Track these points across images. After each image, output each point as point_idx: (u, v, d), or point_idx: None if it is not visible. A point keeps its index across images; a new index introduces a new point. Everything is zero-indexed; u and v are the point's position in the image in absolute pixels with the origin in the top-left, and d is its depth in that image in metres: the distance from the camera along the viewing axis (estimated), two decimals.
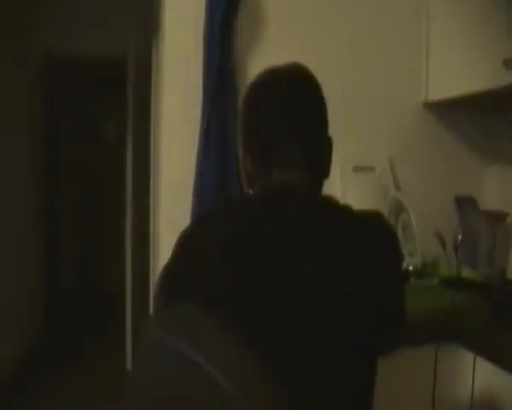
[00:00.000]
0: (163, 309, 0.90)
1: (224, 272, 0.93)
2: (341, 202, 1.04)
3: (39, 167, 4.62)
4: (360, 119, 2.28)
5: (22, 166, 4.09)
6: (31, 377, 3.71)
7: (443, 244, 2.13)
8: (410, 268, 2.02)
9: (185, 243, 1.04)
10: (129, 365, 3.77)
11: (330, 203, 1.03)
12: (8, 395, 3.40)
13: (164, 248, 2.08)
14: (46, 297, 4.85)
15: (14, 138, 3.86)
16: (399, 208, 2.11)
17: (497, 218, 2.10)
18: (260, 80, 1.12)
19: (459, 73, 2.11)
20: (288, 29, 2.20)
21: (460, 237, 2.04)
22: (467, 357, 1.58)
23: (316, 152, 1.10)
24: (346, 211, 1.02)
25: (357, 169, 2.21)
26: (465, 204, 2.25)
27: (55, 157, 5.32)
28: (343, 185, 2.17)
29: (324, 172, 1.13)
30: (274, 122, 1.07)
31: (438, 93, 2.26)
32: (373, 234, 0.97)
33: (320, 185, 1.14)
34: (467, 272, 2.05)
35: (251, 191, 1.14)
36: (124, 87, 3.89)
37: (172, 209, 2.07)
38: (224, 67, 1.95)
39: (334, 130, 1.15)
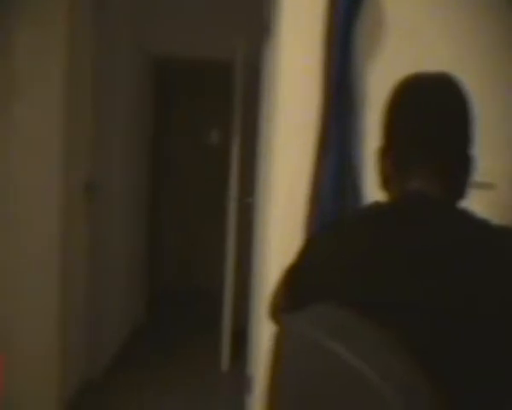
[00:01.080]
0: (310, 309, 0.91)
1: (364, 277, 0.93)
2: None
3: (146, 168, 4.83)
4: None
5: (132, 167, 4.30)
6: (128, 366, 3.87)
7: None
8: None
9: (319, 247, 1.04)
10: (225, 359, 3.85)
11: (468, 215, 1.00)
12: (111, 376, 3.58)
13: (274, 250, 2.11)
14: (148, 290, 5.05)
15: (126, 140, 4.06)
16: None
17: None
18: (406, 86, 1.10)
19: None
20: (409, 34, 2.16)
21: None
22: None
23: (452, 169, 1.07)
24: (483, 224, 0.99)
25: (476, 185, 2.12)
26: None
27: (158, 157, 5.52)
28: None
29: (459, 191, 1.10)
30: (415, 131, 1.06)
31: None
32: None
33: (455, 201, 1.10)
34: None
35: (384, 194, 1.13)
36: (228, 91, 3.98)
37: (284, 212, 2.09)
38: (345, 70, 1.95)
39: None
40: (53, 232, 2.59)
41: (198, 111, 5.95)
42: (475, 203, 1.93)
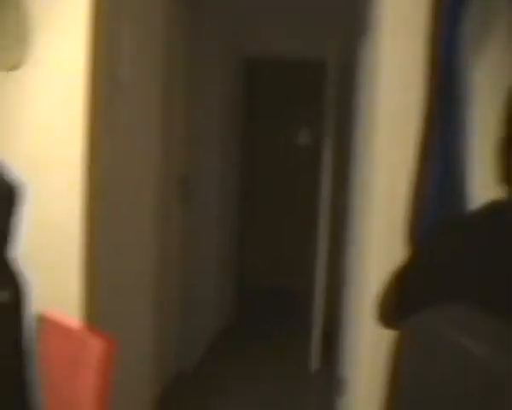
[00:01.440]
0: (443, 309, 0.90)
1: (493, 276, 0.90)
2: None
3: (236, 166, 4.92)
4: None
5: (223, 166, 4.39)
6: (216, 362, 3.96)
7: None
8: None
9: (440, 247, 1.02)
10: (314, 360, 3.85)
11: None
12: (200, 372, 3.68)
13: (374, 253, 2.09)
14: (236, 290, 5.13)
15: (218, 138, 4.15)
16: None
17: None
18: None
19: None
20: None
21: None
22: None
23: None
24: None
25: None
26: None
27: (247, 156, 5.59)
28: None
29: None
30: None
31: None
32: None
33: None
34: None
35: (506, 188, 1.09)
36: (319, 90, 3.97)
37: (385, 215, 2.06)
38: (451, 69, 1.89)
39: None
40: (148, 227, 2.69)
41: (287, 111, 5.97)
42: None
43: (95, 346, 1.37)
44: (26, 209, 1.53)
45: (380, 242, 2.07)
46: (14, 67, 2.12)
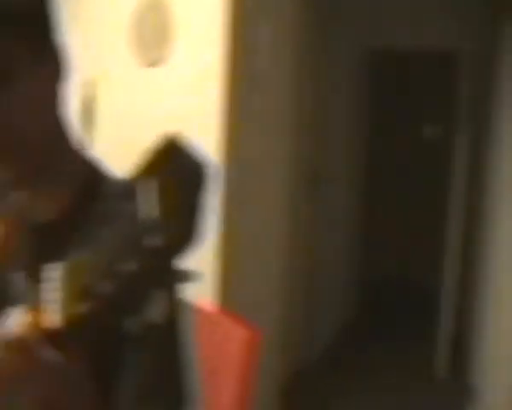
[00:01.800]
0: None
1: None
2: None
3: (362, 161, 4.84)
4: None
5: (350, 161, 4.33)
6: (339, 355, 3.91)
7: None
8: None
9: None
10: (442, 365, 3.66)
11: None
12: (321, 367, 3.65)
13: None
14: (362, 283, 5.05)
15: (345, 133, 4.10)
16: None
17: None
18: None
19: None
20: None
21: None
22: None
23: None
24: None
25: None
26: None
27: (373, 149, 5.45)
28: None
29: None
30: None
31: None
32: None
33: None
34: None
35: None
36: (448, 83, 3.77)
37: None
38: None
39: None
40: (278, 220, 2.70)
41: (413, 104, 5.76)
42: None
43: (239, 336, 1.37)
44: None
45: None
46: (154, 63, 2.22)
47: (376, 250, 5.76)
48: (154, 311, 0.45)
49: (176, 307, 0.66)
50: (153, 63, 2.20)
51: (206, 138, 2.02)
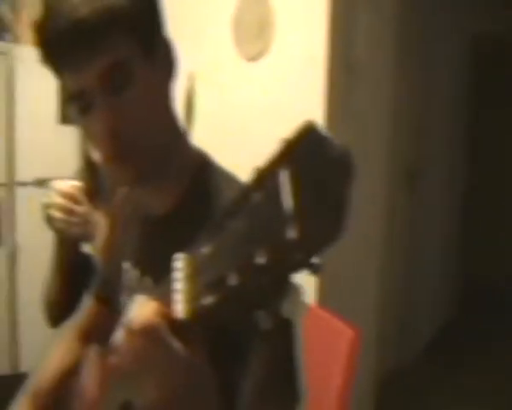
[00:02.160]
0: None
1: None
2: None
3: (462, 153, 4.62)
4: None
5: (449, 154, 4.15)
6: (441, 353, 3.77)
7: None
8: None
9: None
10: None
11: None
12: (418, 367, 3.53)
13: None
14: (461, 281, 4.85)
15: (445, 126, 3.93)
16: None
17: None
18: None
19: None
20: None
21: None
22: None
23: None
24: None
25: None
26: None
27: (473, 142, 5.19)
28: None
29: None
30: None
31: None
32: None
33: None
34: None
35: None
36: None
37: None
38: None
39: None
40: (374, 216, 2.62)
41: None
42: None
43: (340, 333, 1.35)
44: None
45: None
46: (255, 57, 2.23)
47: (477, 249, 5.48)
48: (284, 306, 0.43)
49: (296, 302, 0.65)
50: (254, 56, 2.21)
51: None
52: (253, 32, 2.18)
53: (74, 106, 0.77)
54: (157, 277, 0.84)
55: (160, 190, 0.85)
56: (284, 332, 0.67)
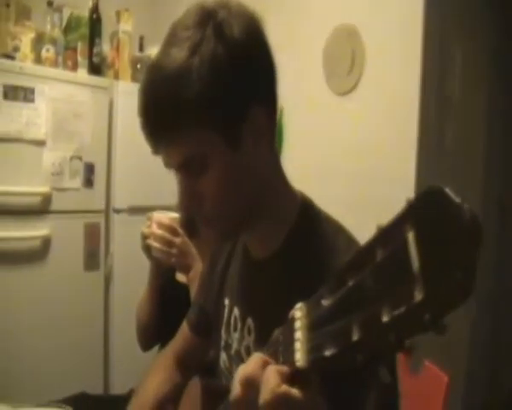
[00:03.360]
0: None
1: None
2: None
3: None
4: None
5: None
6: None
7: None
8: None
9: None
10: None
11: None
12: None
13: None
14: None
15: None
16: None
17: None
18: None
19: None
20: None
21: None
22: None
23: None
24: None
25: None
26: None
27: None
28: None
29: None
30: None
31: None
32: None
33: None
34: None
35: None
36: None
37: None
38: None
39: None
40: None
41: None
42: None
43: (440, 380, 1.31)
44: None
45: None
46: (346, 92, 2.24)
47: None
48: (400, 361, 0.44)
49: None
50: (345, 91, 2.22)
51: (401, 168, 1.98)
52: (345, 68, 2.19)
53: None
54: (259, 318, 0.86)
55: (263, 234, 0.87)
56: (395, 385, 0.67)
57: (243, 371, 0.54)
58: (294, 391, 0.50)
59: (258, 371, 0.53)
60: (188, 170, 0.78)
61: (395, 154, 2.00)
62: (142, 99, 0.77)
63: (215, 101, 0.73)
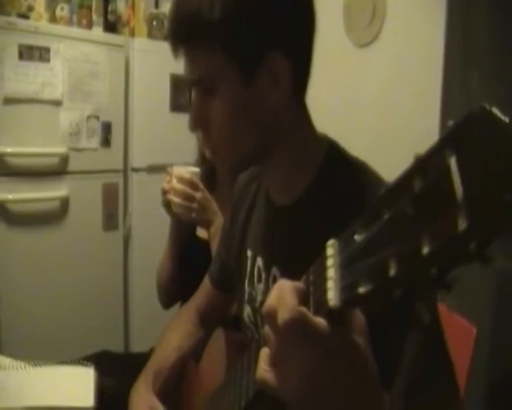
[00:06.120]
0: None
1: None
2: None
3: None
4: None
5: None
6: None
7: None
8: None
9: None
10: None
11: None
12: None
13: None
14: None
15: None
16: None
17: None
18: None
19: None
20: None
21: None
22: None
23: None
24: None
25: None
26: None
27: None
28: None
29: None
30: None
31: None
32: None
33: None
34: None
35: None
36: None
37: None
38: None
39: None
40: None
41: None
42: None
43: (468, 332, 1.29)
44: None
45: None
46: (368, 43, 2.17)
47: None
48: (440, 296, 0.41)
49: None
50: (366, 43, 2.16)
51: (425, 120, 1.93)
52: (366, 19, 2.13)
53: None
54: (284, 265, 0.84)
55: (286, 179, 0.85)
56: (437, 323, 0.65)
57: (264, 305, 0.51)
58: (318, 320, 0.46)
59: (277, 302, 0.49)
60: (199, 89, 0.81)
61: (419, 106, 1.95)
62: (172, 5, 0.81)
63: (232, 25, 0.74)
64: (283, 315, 0.47)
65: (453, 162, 0.37)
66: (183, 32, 0.77)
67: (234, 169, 0.93)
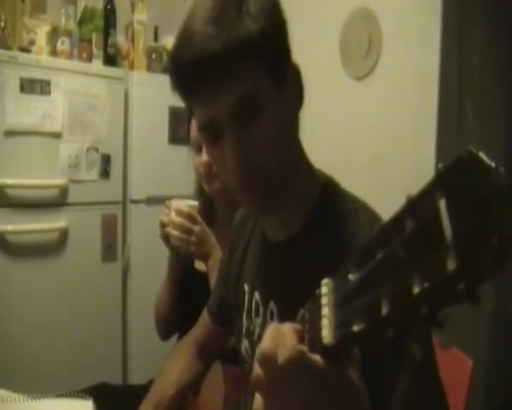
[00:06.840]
0: None
1: None
2: None
3: None
4: None
5: None
6: None
7: None
8: None
9: None
10: None
11: None
12: None
13: None
14: None
15: None
16: None
17: None
18: None
19: None
20: None
21: None
22: None
23: None
24: None
25: None
26: None
27: None
28: None
29: None
30: None
31: None
32: None
33: None
34: None
35: None
36: None
37: None
38: None
39: None
40: None
41: None
42: None
43: (464, 365, 1.29)
44: None
45: None
46: (363, 76, 2.21)
47: None
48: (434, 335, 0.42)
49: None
50: (362, 75, 2.19)
51: (420, 154, 1.95)
52: (362, 52, 2.17)
53: (204, 135, 0.79)
54: (281, 300, 0.85)
55: (284, 215, 0.84)
56: (431, 360, 0.65)
57: (260, 348, 0.52)
58: (316, 358, 0.47)
59: (275, 344, 0.50)
60: (242, 114, 0.73)
61: (414, 139, 1.97)
62: (178, 41, 0.76)
63: (274, 38, 0.75)
64: (284, 354, 0.48)
65: (443, 205, 0.38)
66: (217, 56, 0.70)
67: (267, 207, 0.82)
